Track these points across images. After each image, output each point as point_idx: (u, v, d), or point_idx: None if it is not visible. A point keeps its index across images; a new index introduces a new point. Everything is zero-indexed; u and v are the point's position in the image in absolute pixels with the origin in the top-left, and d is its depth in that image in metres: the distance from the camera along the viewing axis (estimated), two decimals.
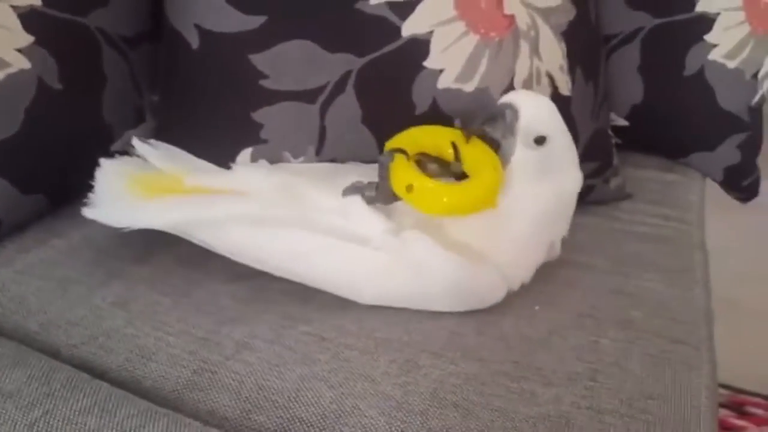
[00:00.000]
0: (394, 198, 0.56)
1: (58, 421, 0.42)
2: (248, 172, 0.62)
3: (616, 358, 0.53)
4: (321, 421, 0.47)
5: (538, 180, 0.57)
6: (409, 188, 0.55)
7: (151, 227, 0.56)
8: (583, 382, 0.51)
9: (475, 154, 0.56)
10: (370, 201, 0.56)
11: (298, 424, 0.47)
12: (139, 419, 0.43)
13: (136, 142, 0.62)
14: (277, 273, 0.57)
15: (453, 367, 0.52)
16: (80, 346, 0.53)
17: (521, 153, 0.56)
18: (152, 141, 0.62)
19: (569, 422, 0.47)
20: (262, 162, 0.64)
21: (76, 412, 0.43)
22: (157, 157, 0.61)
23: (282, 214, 0.57)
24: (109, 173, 0.59)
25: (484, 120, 0.57)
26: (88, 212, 0.57)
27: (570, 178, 0.60)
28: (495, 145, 0.57)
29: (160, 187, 0.58)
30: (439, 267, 0.55)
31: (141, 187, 0.58)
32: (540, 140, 0.56)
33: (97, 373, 0.49)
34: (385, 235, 0.55)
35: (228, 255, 0.57)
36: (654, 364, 0.53)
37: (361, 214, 0.56)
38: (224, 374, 0.51)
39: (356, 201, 0.56)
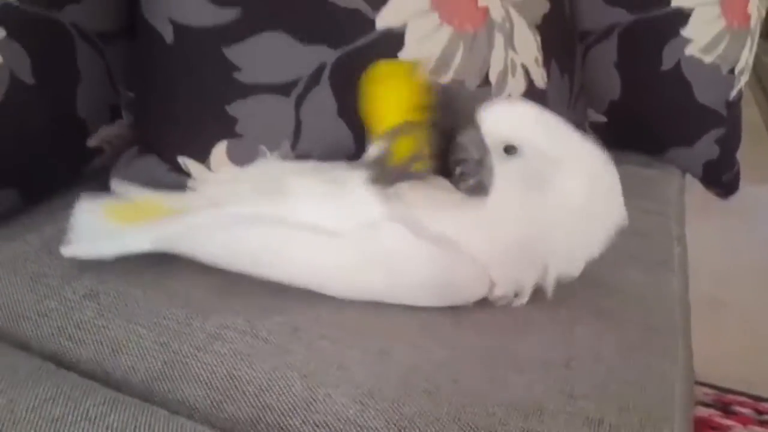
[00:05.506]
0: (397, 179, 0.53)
1: (22, 409, 0.41)
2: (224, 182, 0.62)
3: (590, 346, 0.53)
4: (291, 409, 0.47)
5: (526, 189, 0.53)
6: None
7: (133, 251, 0.57)
8: (557, 369, 0.50)
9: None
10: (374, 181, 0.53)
11: (269, 412, 0.47)
12: (105, 408, 0.42)
13: (114, 183, 0.62)
14: (255, 272, 0.57)
15: (426, 355, 0.51)
16: (49, 338, 0.52)
17: (500, 165, 0.53)
18: (130, 185, 0.62)
19: (542, 407, 0.47)
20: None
21: (42, 401, 0.42)
22: (134, 192, 0.61)
23: (254, 212, 0.56)
24: (85, 209, 0.59)
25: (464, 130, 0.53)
26: (66, 251, 0.57)
27: (572, 192, 0.53)
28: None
29: (136, 214, 0.59)
30: (413, 258, 0.54)
31: (118, 216, 0.58)
32: (509, 149, 0.52)
33: (67, 365, 0.49)
34: (358, 225, 0.54)
35: (212, 263, 0.57)
36: (629, 352, 0.53)
37: (358, 198, 0.54)
38: (195, 365, 0.50)
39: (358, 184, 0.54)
